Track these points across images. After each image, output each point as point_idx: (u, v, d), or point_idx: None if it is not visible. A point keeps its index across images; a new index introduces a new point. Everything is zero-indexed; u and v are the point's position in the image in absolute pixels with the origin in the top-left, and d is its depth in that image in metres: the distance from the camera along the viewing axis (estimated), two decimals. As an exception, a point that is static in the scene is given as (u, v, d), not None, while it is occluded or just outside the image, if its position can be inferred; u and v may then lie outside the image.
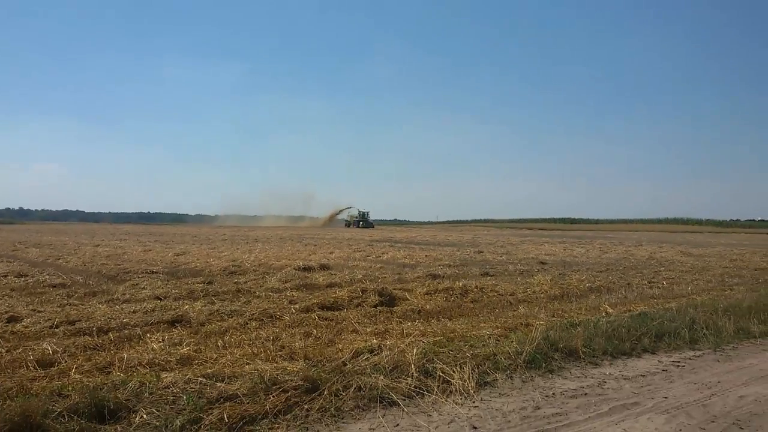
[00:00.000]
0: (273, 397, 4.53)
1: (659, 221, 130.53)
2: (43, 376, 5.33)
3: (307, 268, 15.52)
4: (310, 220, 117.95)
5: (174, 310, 8.86)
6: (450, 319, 8.76)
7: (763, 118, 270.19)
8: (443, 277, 14.66)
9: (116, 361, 5.80)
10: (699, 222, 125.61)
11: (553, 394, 5.16)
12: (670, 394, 5.25)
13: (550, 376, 5.72)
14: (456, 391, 5.03)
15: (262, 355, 6.01)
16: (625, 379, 5.71)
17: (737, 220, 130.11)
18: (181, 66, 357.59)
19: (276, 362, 5.57)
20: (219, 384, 4.77)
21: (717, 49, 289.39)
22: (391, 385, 4.90)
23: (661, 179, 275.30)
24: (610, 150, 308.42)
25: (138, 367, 5.61)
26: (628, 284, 14.06)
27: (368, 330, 7.59)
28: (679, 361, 6.46)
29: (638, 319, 7.99)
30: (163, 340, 6.87)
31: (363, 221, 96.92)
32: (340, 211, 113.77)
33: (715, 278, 16.13)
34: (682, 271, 18.34)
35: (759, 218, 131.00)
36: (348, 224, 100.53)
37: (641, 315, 8.36)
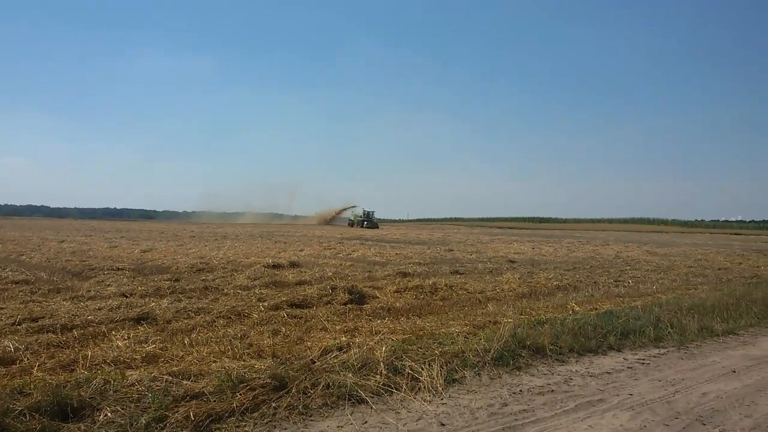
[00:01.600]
0: (240, 395, 4.49)
1: (626, 221, 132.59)
2: (4, 374, 5.24)
3: (276, 266, 15.44)
4: (308, 217, 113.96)
5: (140, 307, 8.73)
6: (419, 317, 8.78)
7: (728, 122, 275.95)
8: (413, 275, 14.70)
9: (80, 358, 5.72)
10: (665, 222, 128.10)
11: (521, 390, 5.20)
12: (635, 391, 5.33)
13: (518, 373, 5.76)
14: (424, 388, 5.03)
15: (230, 353, 5.96)
16: (591, 376, 5.78)
17: (702, 220, 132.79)
18: (151, 59, 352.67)
19: (243, 360, 5.53)
20: (185, 382, 4.71)
21: (691, 51, 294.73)
22: (360, 383, 4.89)
23: (629, 180, 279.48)
24: (579, 150, 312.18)
25: (103, 365, 5.53)
26: (595, 283, 14.26)
27: (337, 328, 7.57)
28: (644, 359, 6.56)
29: (604, 317, 8.10)
30: (128, 337, 6.77)
31: (368, 221, 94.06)
32: (344, 209, 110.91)
33: (679, 277, 16.45)
34: (648, 270, 18.66)
35: (723, 219, 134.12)
36: (351, 223, 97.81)
37: (607, 313, 8.47)
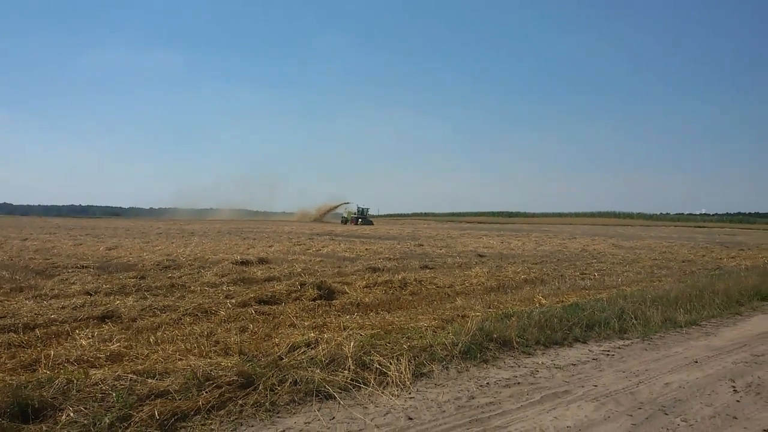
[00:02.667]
0: (206, 392, 4.45)
1: (593, 215, 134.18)
2: (-38, 375, 5.09)
3: (244, 262, 15.30)
4: (295, 214, 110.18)
5: (104, 305, 8.60)
6: (389, 312, 8.79)
7: (693, 117, 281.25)
8: (383, 270, 14.71)
9: (43, 358, 5.61)
10: (630, 216, 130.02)
11: (488, 383, 5.25)
12: (599, 382, 5.41)
13: (485, 366, 5.81)
14: (392, 383, 5.05)
15: (196, 350, 5.89)
16: (556, 368, 5.85)
17: (667, 213, 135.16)
18: (118, 56, 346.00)
19: (210, 358, 5.48)
20: (150, 380, 4.65)
21: (646, 49, 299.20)
22: (328, 379, 4.89)
23: (596, 174, 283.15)
24: (548, 146, 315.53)
25: (66, 365, 5.45)
26: (562, 276, 14.43)
27: (306, 324, 7.55)
28: (608, 350, 6.66)
29: (570, 309, 8.19)
30: (92, 336, 6.66)
31: (362, 218, 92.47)
32: (336, 206, 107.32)
33: (644, 270, 16.73)
34: (613, 263, 18.94)
35: (687, 212, 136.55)
36: (345, 221, 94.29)
37: (573, 306, 8.57)
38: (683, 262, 20.15)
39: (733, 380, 5.57)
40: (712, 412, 4.63)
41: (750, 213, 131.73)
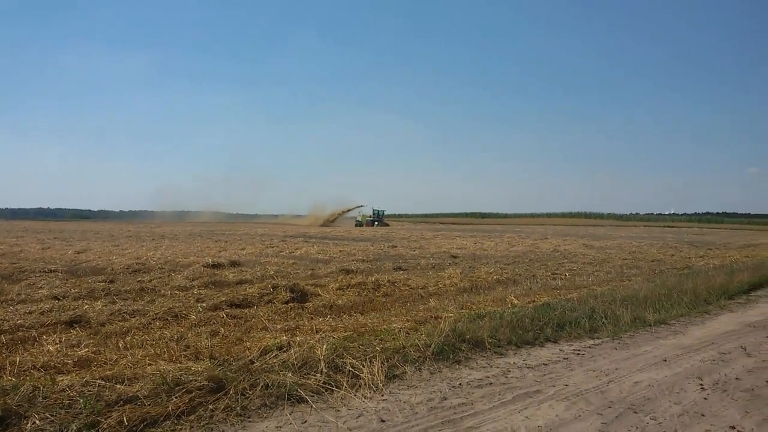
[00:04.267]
0: (176, 398, 4.40)
1: (564, 215, 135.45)
2: None
3: (216, 265, 15.13)
4: (310, 216, 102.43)
5: (73, 310, 8.44)
6: (362, 314, 8.79)
7: (658, 119, 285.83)
8: (356, 272, 14.67)
9: (8, 365, 5.50)
10: (601, 216, 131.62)
11: (460, 384, 5.26)
12: (570, 381, 5.46)
13: (458, 367, 5.84)
14: (365, 385, 5.04)
15: (166, 355, 5.83)
16: (528, 367, 5.89)
17: (637, 213, 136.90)
18: (86, 56, 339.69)
19: (180, 362, 5.42)
20: (119, 386, 4.58)
21: (620, 50, 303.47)
22: (300, 382, 4.86)
23: (568, 175, 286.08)
24: (521, 147, 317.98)
25: (32, 371, 5.34)
26: (533, 276, 14.54)
27: (278, 327, 7.49)
28: (579, 350, 6.74)
29: (541, 309, 8.27)
30: (60, 341, 6.54)
31: (378, 221, 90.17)
32: (348, 210, 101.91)
33: (614, 269, 16.94)
34: (584, 263, 19.15)
35: (657, 212, 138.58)
36: (359, 224, 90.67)
37: (544, 305, 8.65)
38: (653, 261, 20.44)
39: (701, 378, 5.66)
40: (680, 410, 4.70)
41: (718, 213, 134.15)
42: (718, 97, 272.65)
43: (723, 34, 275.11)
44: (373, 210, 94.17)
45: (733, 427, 4.34)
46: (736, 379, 5.67)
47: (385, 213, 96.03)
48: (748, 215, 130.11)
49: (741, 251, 28.29)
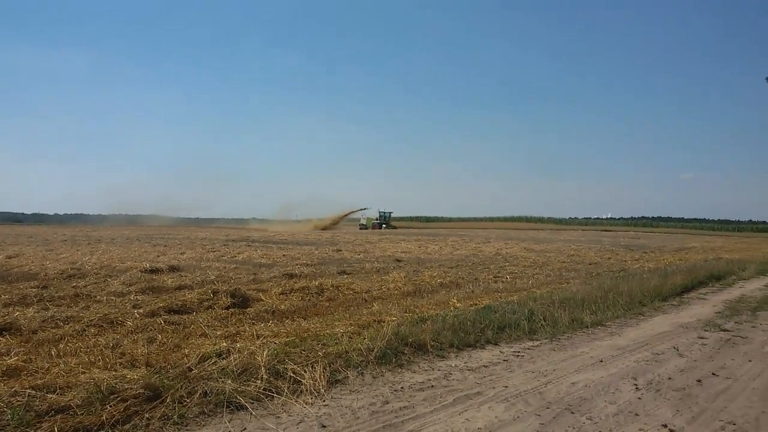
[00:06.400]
0: (110, 407, 4.26)
1: (506, 219, 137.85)
2: None
3: (154, 270, 14.75)
4: (316, 221, 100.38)
5: (2, 317, 8.08)
6: (305, 319, 8.72)
7: (595, 125, 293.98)
8: (300, 276, 14.58)
9: (-71, 375, 5.22)
10: (541, 220, 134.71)
11: (402, 388, 5.28)
12: (510, 383, 5.54)
13: (400, 370, 5.85)
14: (307, 390, 5.00)
15: (101, 363, 5.64)
16: (469, 370, 5.96)
17: (575, 218, 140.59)
18: (19, 54, 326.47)
19: (115, 370, 5.25)
20: (50, 395, 4.42)
21: (563, 54, 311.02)
22: (240, 389, 4.78)
23: (508, 179, 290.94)
24: (461, 150, 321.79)
25: (-44, 383, 5.08)
26: (476, 279, 14.76)
27: (218, 333, 7.35)
28: (518, 351, 6.85)
29: (483, 312, 8.37)
30: (-13, 350, 6.26)
31: (386, 223, 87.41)
32: (349, 213, 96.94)
33: (553, 272, 17.35)
34: (525, 265, 19.55)
35: (595, 216, 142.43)
36: (364, 227, 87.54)
37: (486, 308, 8.76)
38: (590, 264, 21.02)
39: (636, 378, 5.83)
40: (615, 410, 4.82)
41: (653, 217, 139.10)
42: (654, 106, 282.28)
43: (661, 43, 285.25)
44: (379, 212, 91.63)
45: (665, 426, 4.47)
46: (669, 378, 5.86)
47: (392, 214, 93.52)
48: (681, 219, 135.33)
49: (675, 254, 29.40)
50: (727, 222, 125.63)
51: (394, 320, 7.78)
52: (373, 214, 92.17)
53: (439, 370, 5.93)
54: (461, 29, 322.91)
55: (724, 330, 8.56)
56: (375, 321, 8.06)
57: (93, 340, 6.91)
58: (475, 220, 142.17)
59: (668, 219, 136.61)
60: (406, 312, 9.01)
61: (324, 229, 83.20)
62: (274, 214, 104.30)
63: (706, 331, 8.48)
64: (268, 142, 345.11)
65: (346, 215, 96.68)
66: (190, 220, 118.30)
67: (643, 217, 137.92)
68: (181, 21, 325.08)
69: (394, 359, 6.07)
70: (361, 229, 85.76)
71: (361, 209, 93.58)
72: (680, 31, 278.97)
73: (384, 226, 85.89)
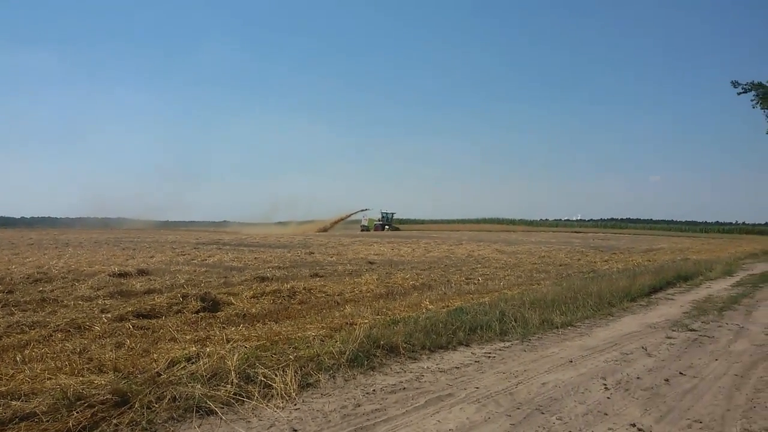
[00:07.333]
0: (77, 413, 4.19)
1: (478, 221, 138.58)
2: None
3: (123, 274, 14.52)
4: (318, 223, 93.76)
5: (-35, 323, 7.92)
6: (276, 322, 8.66)
7: (565, 126, 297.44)
8: (272, 279, 14.47)
9: None
10: (513, 221, 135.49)
11: (374, 390, 5.27)
12: (481, 384, 5.57)
13: (372, 373, 5.84)
14: (278, 395, 4.96)
15: (67, 368, 5.53)
16: (441, 371, 5.97)
17: (546, 219, 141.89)
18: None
19: (82, 376, 5.16)
20: (14, 402, 4.33)
21: (530, 56, 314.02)
22: (209, 394, 4.73)
23: (480, 181, 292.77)
24: (433, 152, 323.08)
25: None
26: (448, 281, 14.80)
27: (188, 338, 7.26)
28: (490, 353, 6.89)
29: (455, 313, 8.41)
30: (-51, 358, 6.11)
31: (389, 224, 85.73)
32: (350, 215, 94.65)
33: (524, 273, 17.50)
34: (497, 267, 19.67)
35: (565, 218, 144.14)
36: (365, 229, 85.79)
37: (458, 310, 8.80)
38: (560, 265, 21.24)
39: (605, 378, 5.89)
40: (585, 410, 4.87)
41: (622, 219, 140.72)
42: (622, 108, 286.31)
43: (629, 46, 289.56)
44: (382, 213, 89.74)
45: (633, 425, 4.53)
46: (638, 378, 5.94)
47: (395, 215, 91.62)
48: (650, 221, 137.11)
49: (643, 255, 29.84)
50: (695, 223, 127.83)
51: (366, 323, 7.78)
52: (375, 215, 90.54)
53: (411, 372, 5.93)
54: (427, 32, 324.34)
55: (692, 330, 8.70)
56: (347, 324, 8.06)
57: (60, 345, 6.78)
58: (448, 222, 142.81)
59: (637, 220, 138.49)
60: (378, 314, 9.01)
61: (324, 231, 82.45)
62: (260, 216, 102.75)
63: (673, 331, 8.61)
64: (245, 142, 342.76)
65: (346, 217, 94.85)
66: (166, 223, 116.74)
67: (612, 219, 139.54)
68: (158, 16, 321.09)
69: (366, 362, 6.06)
70: (362, 230, 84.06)
71: (363, 210, 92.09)
72: (647, 33, 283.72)
73: (387, 227, 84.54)
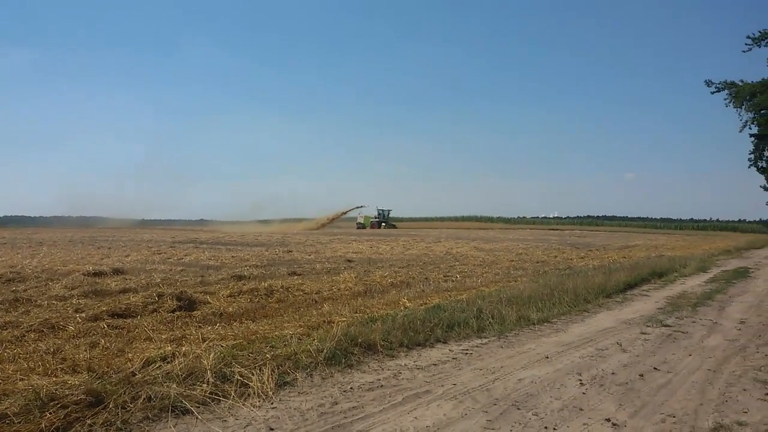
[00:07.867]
0: (50, 414, 4.14)
1: (456, 219, 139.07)
2: None
3: (97, 273, 14.32)
4: (316, 221, 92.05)
5: (-65, 324, 7.77)
6: (253, 321, 8.61)
7: (541, 123, 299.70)
8: (249, 278, 14.38)
9: None
10: (490, 219, 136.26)
11: (351, 388, 5.28)
12: (458, 380, 5.61)
13: (350, 371, 5.85)
14: (254, 393, 4.95)
15: (40, 369, 5.45)
16: (418, 369, 6.00)
17: (523, 217, 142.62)
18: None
19: (56, 376, 5.10)
20: (-15, 405, 4.26)
21: (507, 54, 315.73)
22: (185, 393, 4.70)
23: (458, 179, 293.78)
24: (412, 150, 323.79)
25: None
26: (426, 278, 14.83)
27: (163, 337, 7.19)
28: (467, 349, 6.93)
29: (432, 311, 8.44)
30: None
31: (385, 221, 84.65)
32: (346, 212, 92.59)
33: (502, 271, 17.58)
34: (475, 264, 19.74)
35: (542, 215, 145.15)
36: (362, 226, 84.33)
37: (435, 307, 8.84)
38: (537, 262, 21.36)
39: (580, 374, 5.96)
40: (560, 405, 4.92)
41: (598, 216, 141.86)
42: (598, 105, 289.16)
43: (605, 45, 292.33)
44: (378, 210, 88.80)
45: (608, 420, 4.59)
46: (612, 373, 6.01)
47: (391, 212, 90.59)
48: (625, 218, 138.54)
49: (618, 252, 30.11)
50: (670, 220, 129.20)
51: (344, 321, 7.78)
52: (371, 212, 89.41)
53: (388, 369, 5.95)
54: (399, 29, 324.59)
55: (666, 325, 8.82)
56: (325, 322, 8.03)
57: (33, 345, 6.68)
58: (426, 220, 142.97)
59: (613, 218, 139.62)
60: (356, 312, 9.00)
61: (318, 228, 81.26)
62: (239, 215, 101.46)
63: (648, 326, 8.73)
64: (228, 142, 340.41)
65: (342, 214, 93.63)
66: (144, 222, 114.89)
67: (588, 216, 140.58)
68: (137, 16, 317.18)
69: (343, 360, 6.07)
70: (358, 228, 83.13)
71: (358, 207, 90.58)
72: (623, 32, 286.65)
73: (383, 224, 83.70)
